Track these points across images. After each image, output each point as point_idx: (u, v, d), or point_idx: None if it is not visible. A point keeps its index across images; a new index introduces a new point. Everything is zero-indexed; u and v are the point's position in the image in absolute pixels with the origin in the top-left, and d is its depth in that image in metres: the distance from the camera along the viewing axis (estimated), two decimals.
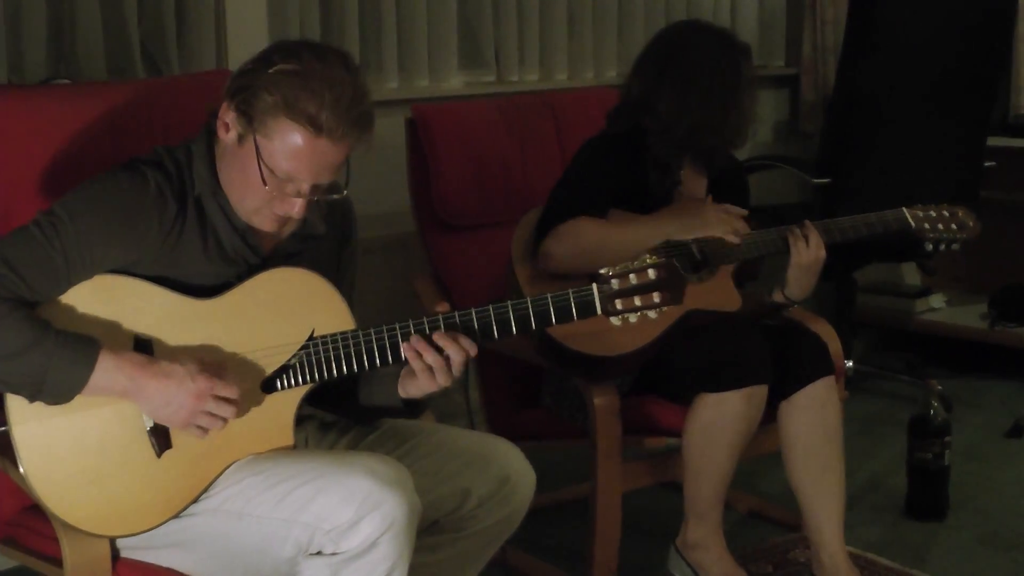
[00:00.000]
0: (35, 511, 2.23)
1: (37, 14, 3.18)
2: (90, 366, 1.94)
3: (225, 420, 2.01)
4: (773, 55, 5.01)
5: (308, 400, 2.13)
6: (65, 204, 2.01)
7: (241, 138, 2.03)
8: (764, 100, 4.92)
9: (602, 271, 2.13)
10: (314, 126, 1.98)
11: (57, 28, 3.25)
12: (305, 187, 2.04)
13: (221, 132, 2.06)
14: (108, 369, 1.95)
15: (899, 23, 3.90)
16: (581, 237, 2.74)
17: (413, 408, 2.21)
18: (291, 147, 1.99)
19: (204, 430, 2.02)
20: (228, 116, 2.04)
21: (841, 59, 4.01)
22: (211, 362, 2.01)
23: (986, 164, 4.24)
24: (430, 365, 2.07)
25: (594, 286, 2.12)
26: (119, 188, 2.04)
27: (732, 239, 2.79)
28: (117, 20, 3.30)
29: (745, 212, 2.85)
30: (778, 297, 2.92)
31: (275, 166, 2.01)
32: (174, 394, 1.98)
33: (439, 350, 2.07)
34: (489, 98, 3.68)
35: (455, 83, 4.02)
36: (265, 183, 2.02)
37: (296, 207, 2.05)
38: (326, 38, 3.72)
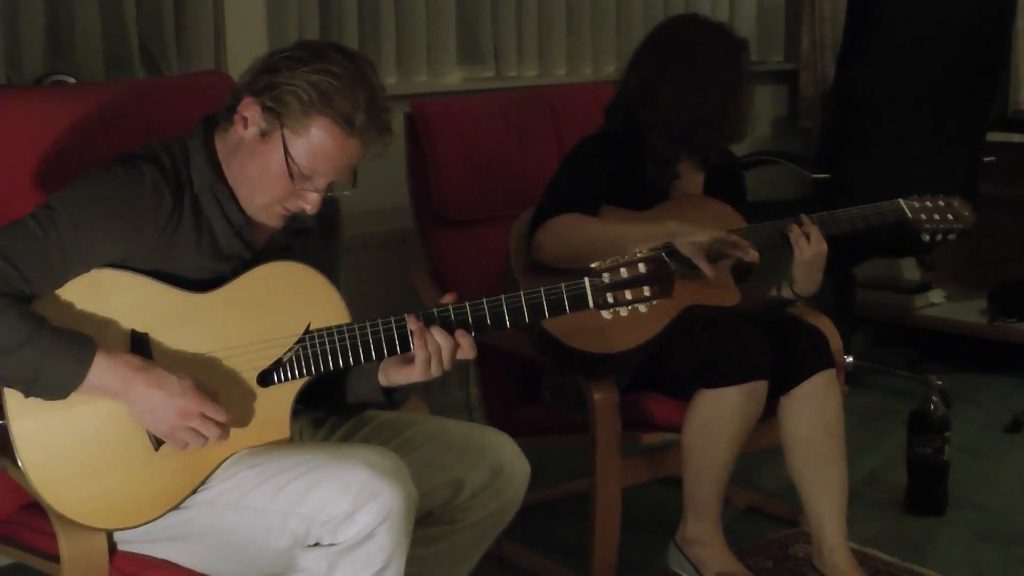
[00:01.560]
0: (32, 509, 2.23)
1: (35, 10, 3.18)
2: (85, 366, 1.94)
3: (206, 439, 2.01)
4: (772, 51, 5.01)
5: (297, 397, 2.12)
6: (61, 198, 2.01)
7: (265, 134, 2.04)
8: (763, 96, 4.92)
9: (593, 265, 2.15)
10: (349, 125, 2.01)
11: (55, 25, 3.25)
12: (323, 183, 2.06)
13: (238, 127, 2.06)
14: (102, 370, 1.95)
15: (898, 18, 3.90)
16: (573, 232, 2.74)
17: (393, 400, 2.22)
18: (321, 145, 2.02)
19: (184, 444, 2.01)
20: (250, 111, 2.05)
21: (840, 55, 4.01)
22: (205, 381, 2.01)
23: (985, 160, 4.24)
24: (430, 354, 2.08)
25: (586, 280, 2.14)
26: (115, 182, 2.04)
27: (750, 256, 2.74)
28: (115, 17, 3.30)
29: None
30: (787, 293, 2.91)
31: (300, 162, 2.03)
32: (159, 405, 1.98)
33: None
34: (487, 94, 3.68)
35: (453, 79, 4.02)
36: (292, 178, 2.03)
37: (312, 202, 2.07)
38: (325, 34, 3.73)
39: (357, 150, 2.05)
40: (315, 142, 2.02)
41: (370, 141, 2.05)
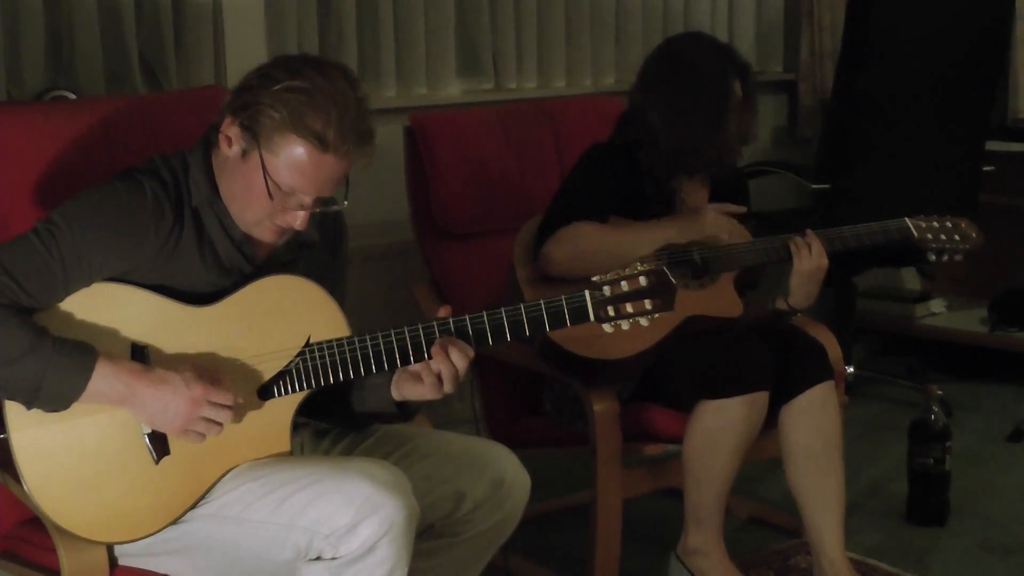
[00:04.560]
0: (33, 524, 2.23)
1: (36, 25, 3.19)
2: (87, 373, 1.95)
3: (221, 425, 2.02)
4: (771, 60, 5.01)
5: (300, 410, 2.13)
6: (63, 212, 2.02)
7: (245, 153, 2.05)
8: (762, 105, 4.87)
9: (594, 278, 2.15)
10: (321, 143, 2.00)
11: (56, 40, 3.26)
12: (308, 200, 2.06)
13: (223, 145, 2.07)
14: (105, 376, 1.96)
15: (896, 28, 3.90)
16: (580, 241, 2.74)
17: (406, 412, 2.22)
18: (296, 163, 2.02)
19: (201, 436, 2.02)
20: (231, 131, 2.05)
21: (839, 64, 4.02)
22: (208, 368, 2.02)
23: (985, 168, 4.24)
24: (439, 374, 2.08)
25: (586, 293, 2.15)
26: (117, 197, 2.05)
27: (726, 238, 2.80)
28: (116, 32, 3.31)
29: (743, 209, 2.84)
30: (781, 305, 2.92)
31: (280, 180, 2.03)
32: (170, 401, 1.98)
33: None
34: (487, 106, 3.69)
35: (453, 91, 4.03)
36: (271, 197, 2.03)
37: (298, 220, 2.07)
38: (324, 48, 3.73)
39: (334, 166, 2.03)
40: (290, 161, 2.02)
41: (348, 155, 2.03)
